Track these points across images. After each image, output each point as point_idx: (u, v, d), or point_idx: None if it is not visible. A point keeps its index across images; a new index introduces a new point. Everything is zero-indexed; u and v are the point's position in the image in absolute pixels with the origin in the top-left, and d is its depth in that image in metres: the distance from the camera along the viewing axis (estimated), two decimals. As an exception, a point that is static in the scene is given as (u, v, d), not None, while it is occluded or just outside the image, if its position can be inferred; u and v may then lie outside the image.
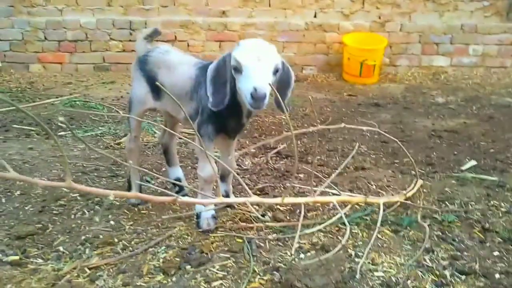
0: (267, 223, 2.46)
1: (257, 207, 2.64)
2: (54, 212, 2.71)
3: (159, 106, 2.70)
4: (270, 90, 2.05)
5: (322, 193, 2.47)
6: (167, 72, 2.59)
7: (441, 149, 3.94)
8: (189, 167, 3.54)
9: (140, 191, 2.87)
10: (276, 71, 2.15)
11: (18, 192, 2.91)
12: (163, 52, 2.68)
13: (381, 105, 5.53)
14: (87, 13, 7.26)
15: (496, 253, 2.18)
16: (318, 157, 3.71)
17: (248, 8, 7.32)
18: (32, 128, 4.36)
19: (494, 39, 7.27)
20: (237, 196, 2.90)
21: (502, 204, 2.70)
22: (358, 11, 7.34)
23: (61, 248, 2.30)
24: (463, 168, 3.45)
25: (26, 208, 2.74)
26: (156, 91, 2.62)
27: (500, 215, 2.56)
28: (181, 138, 2.98)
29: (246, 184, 3.10)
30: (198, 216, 2.48)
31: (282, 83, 2.27)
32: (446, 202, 2.72)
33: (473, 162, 3.54)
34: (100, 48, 7.23)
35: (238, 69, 2.12)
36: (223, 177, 2.71)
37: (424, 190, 2.90)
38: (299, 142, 4.14)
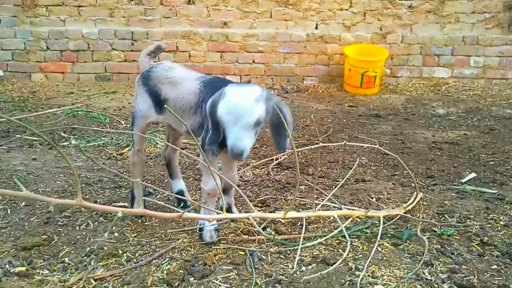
0: (266, 235, 2.49)
1: (259, 219, 2.67)
2: (59, 223, 2.74)
3: (162, 119, 2.76)
4: (253, 142, 2.18)
5: (323, 207, 2.50)
6: (171, 87, 2.64)
7: (442, 161, 3.96)
8: (191, 178, 3.57)
9: (144, 204, 2.93)
10: (258, 123, 2.18)
11: (23, 203, 2.95)
12: (167, 68, 2.73)
13: (382, 116, 5.56)
14: (89, 24, 7.33)
15: (494, 267, 2.21)
16: (319, 169, 3.74)
17: (250, 19, 7.38)
18: (35, 138, 4.39)
19: (495, 51, 7.29)
20: (239, 208, 2.95)
21: (501, 218, 2.73)
22: (359, 22, 7.40)
23: (66, 259, 2.34)
24: (463, 180, 3.47)
25: (32, 219, 2.78)
26: (159, 105, 2.67)
27: (499, 228, 2.59)
28: (184, 154, 3.02)
29: (248, 196, 3.16)
30: (201, 228, 2.51)
31: (275, 125, 2.29)
32: (446, 215, 2.75)
33: (473, 175, 3.57)
34: (101, 58, 7.29)
35: (221, 122, 2.20)
36: (225, 191, 2.74)
37: (424, 203, 2.93)
38: (299, 153, 4.17)
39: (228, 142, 2.14)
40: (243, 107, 2.14)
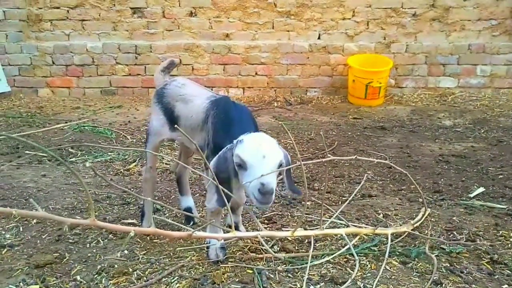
0: (276, 255, 2.48)
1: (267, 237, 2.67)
2: (70, 241, 2.78)
3: (175, 137, 2.79)
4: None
5: (331, 223, 2.50)
6: (183, 105, 2.67)
7: (449, 175, 3.95)
8: (197, 194, 3.58)
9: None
10: (280, 165, 2.15)
11: (35, 221, 2.98)
12: (180, 85, 2.77)
13: (387, 128, 5.54)
14: (93, 38, 7.39)
15: (505, 286, 2.19)
16: (325, 184, 3.73)
17: (252, 31, 7.41)
18: (44, 154, 4.42)
19: (503, 59, 7.26)
20: (246, 225, 2.95)
21: (511, 234, 2.71)
22: (362, 32, 7.41)
23: (78, 277, 2.36)
24: (471, 195, 3.45)
25: (43, 237, 2.81)
26: (173, 122, 2.70)
27: (509, 246, 2.57)
28: (192, 171, 3.03)
29: (254, 213, 3.16)
30: (208, 246, 2.52)
31: (287, 171, 2.29)
32: (454, 232, 2.74)
33: (481, 189, 3.54)
34: (106, 72, 7.34)
35: (242, 167, 2.13)
36: (233, 209, 2.75)
37: (432, 219, 2.92)
38: (305, 167, 4.17)
39: (253, 184, 2.04)
40: (267, 145, 2.14)
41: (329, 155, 2.20)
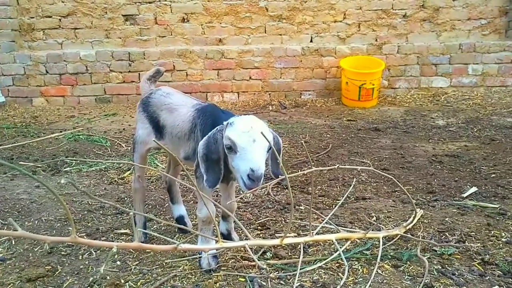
0: (260, 264, 2.47)
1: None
2: (62, 253, 2.76)
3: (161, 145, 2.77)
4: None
5: (323, 228, 2.50)
6: (169, 114, 2.66)
7: (442, 176, 3.95)
8: (191, 202, 3.58)
9: (145, 228, 2.95)
10: (269, 149, 2.16)
11: (26, 234, 2.96)
12: (165, 94, 2.77)
13: (381, 129, 5.56)
14: (86, 46, 7.41)
15: (495, 287, 2.19)
16: (319, 187, 3.74)
17: (244, 35, 7.43)
18: (38, 165, 4.41)
19: (494, 58, 7.31)
20: (239, 232, 2.94)
21: (503, 234, 2.71)
22: (354, 34, 7.44)
23: (70, 290, 2.34)
24: (464, 195, 3.46)
25: (36, 249, 2.79)
26: (159, 131, 2.69)
27: (501, 246, 2.58)
28: (178, 182, 3.02)
29: (248, 219, 3.16)
30: (200, 256, 2.52)
31: (272, 154, 2.28)
32: (446, 233, 2.74)
33: (474, 189, 3.55)
34: (100, 80, 7.35)
35: (232, 149, 2.12)
36: (224, 217, 2.75)
37: (425, 221, 2.92)
38: (299, 170, 4.17)
39: (243, 168, 2.06)
40: (258, 126, 2.13)
41: (312, 166, 2.20)
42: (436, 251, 2.54)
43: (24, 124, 6.20)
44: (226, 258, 2.61)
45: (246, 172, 2.04)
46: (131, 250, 2.76)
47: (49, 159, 4.62)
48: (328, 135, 5.39)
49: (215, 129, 2.23)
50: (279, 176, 2.30)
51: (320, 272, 2.38)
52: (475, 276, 2.29)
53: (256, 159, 2.05)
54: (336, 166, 2.14)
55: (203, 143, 2.23)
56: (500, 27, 7.44)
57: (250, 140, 2.08)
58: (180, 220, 3.05)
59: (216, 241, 2.30)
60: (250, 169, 2.02)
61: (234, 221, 2.63)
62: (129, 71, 7.34)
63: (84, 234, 2.97)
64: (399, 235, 2.64)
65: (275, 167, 2.30)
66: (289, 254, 2.64)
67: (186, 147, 2.54)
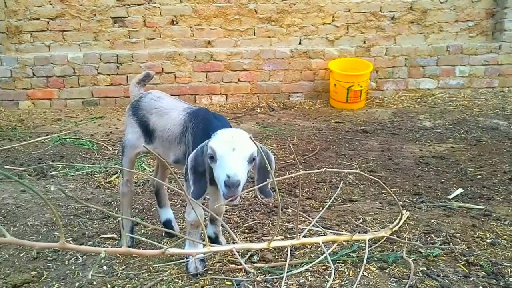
0: (255, 265, 2.48)
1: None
2: (48, 258, 2.73)
3: (151, 149, 2.76)
4: (246, 179, 2.05)
5: (310, 231, 2.50)
6: (159, 117, 2.66)
7: (429, 177, 3.98)
8: (179, 205, 3.57)
9: (132, 232, 2.94)
10: (252, 160, 2.13)
11: (11, 239, 2.93)
12: (155, 98, 2.76)
13: (369, 131, 5.58)
14: (74, 48, 7.37)
15: (479, 288, 2.22)
16: (307, 189, 3.75)
17: (233, 38, 7.44)
18: (24, 169, 4.38)
19: (480, 60, 7.39)
20: (226, 236, 2.94)
21: (488, 235, 2.73)
22: (342, 36, 7.47)
23: (56, 296, 2.33)
24: (450, 196, 3.48)
25: (21, 255, 2.77)
26: (148, 135, 2.69)
27: (485, 247, 2.60)
28: (167, 186, 3.01)
29: (235, 222, 3.16)
30: (187, 259, 2.51)
31: (260, 169, 2.25)
32: (432, 235, 2.76)
33: (460, 190, 3.58)
34: (88, 82, 7.32)
35: (213, 158, 2.10)
36: (212, 220, 2.74)
37: (411, 222, 2.94)
38: (287, 173, 4.18)
39: (222, 176, 2.03)
40: (239, 138, 2.11)
41: (300, 169, 2.20)
42: (421, 252, 2.56)
43: (10, 127, 6.16)
44: (213, 261, 2.60)
45: (223, 180, 2.00)
46: (118, 254, 2.75)
47: (35, 163, 4.58)
48: (316, 137, 5.40)
49: (204, 142, 2.21)
50: (269, 196, 2.27)
51: (307, 275, 2.39)
52: (459, 277, 2.31)
53: (232, 166, 2.02)
54: (323, 169, 2.14)
55: (192, 156, 2.22)
56: (487, 29, 7.51)
57: (229, 148, 2.06)
58: (167, 224, 3.04)
59: (204, 245, 2.30)
60: (226, 175, 1.98)
61: (222, 225, 2.63)
62: (117, 74, 7.31)
63: (71, 238, 2.96)
64: (385, 237, 2.66)
65: (262, 185, 2.23)
66: (276, 257, 2.64)
67: (176, 150, 2.54)
